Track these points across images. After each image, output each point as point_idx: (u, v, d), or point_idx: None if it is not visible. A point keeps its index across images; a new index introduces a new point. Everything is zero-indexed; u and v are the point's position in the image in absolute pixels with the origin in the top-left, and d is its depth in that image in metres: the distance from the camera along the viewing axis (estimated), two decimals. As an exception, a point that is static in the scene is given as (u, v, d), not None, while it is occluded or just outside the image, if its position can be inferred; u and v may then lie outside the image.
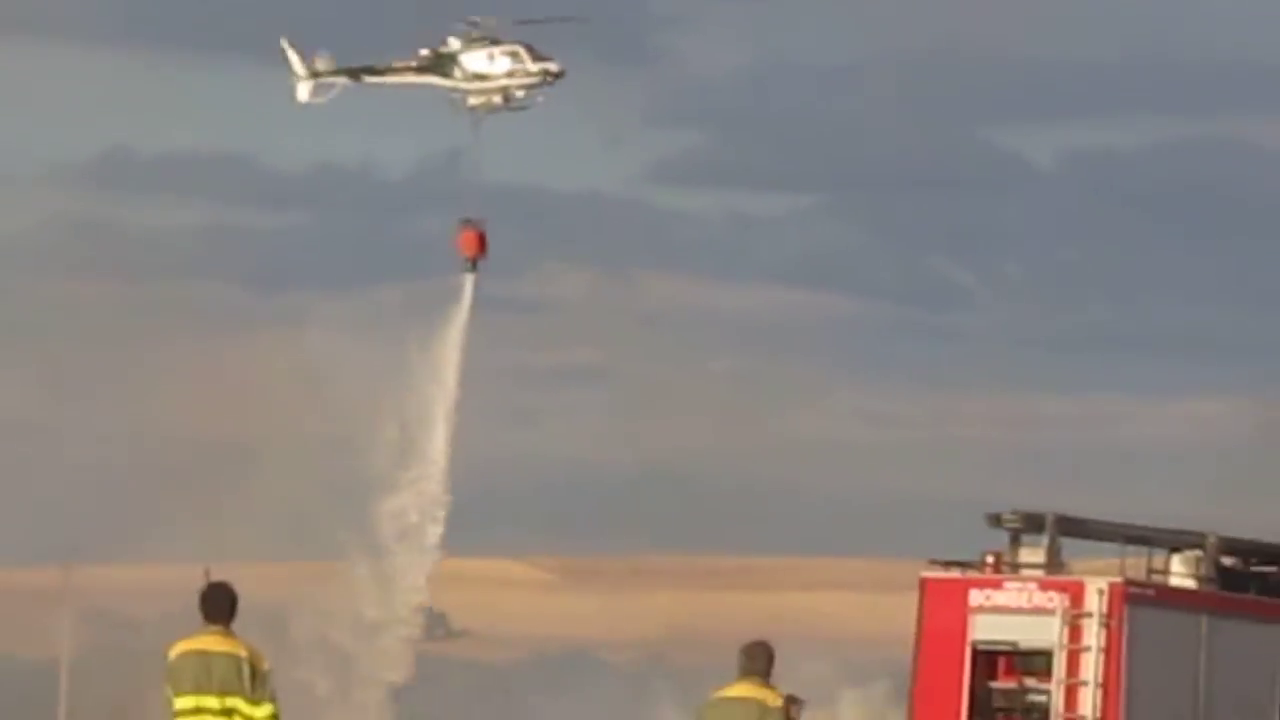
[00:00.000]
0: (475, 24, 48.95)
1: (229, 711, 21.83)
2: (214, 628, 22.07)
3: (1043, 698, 35.56)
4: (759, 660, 23.91)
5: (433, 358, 55.97)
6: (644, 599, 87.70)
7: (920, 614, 36.93)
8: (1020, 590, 36.44)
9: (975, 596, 36.42)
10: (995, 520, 36.86)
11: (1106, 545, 37.81)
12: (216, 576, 25.81)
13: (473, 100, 48.23)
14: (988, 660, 35.85)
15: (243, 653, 21.94)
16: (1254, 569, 37.99)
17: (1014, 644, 36.00)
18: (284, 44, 50.31)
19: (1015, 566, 36.79)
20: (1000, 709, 36.08)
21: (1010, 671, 36.04)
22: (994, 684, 35.94)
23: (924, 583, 37.09)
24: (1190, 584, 36.92)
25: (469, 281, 54.78)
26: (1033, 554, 36.60)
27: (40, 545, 62.78)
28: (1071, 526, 37.05)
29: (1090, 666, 35.18)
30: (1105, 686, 35.13)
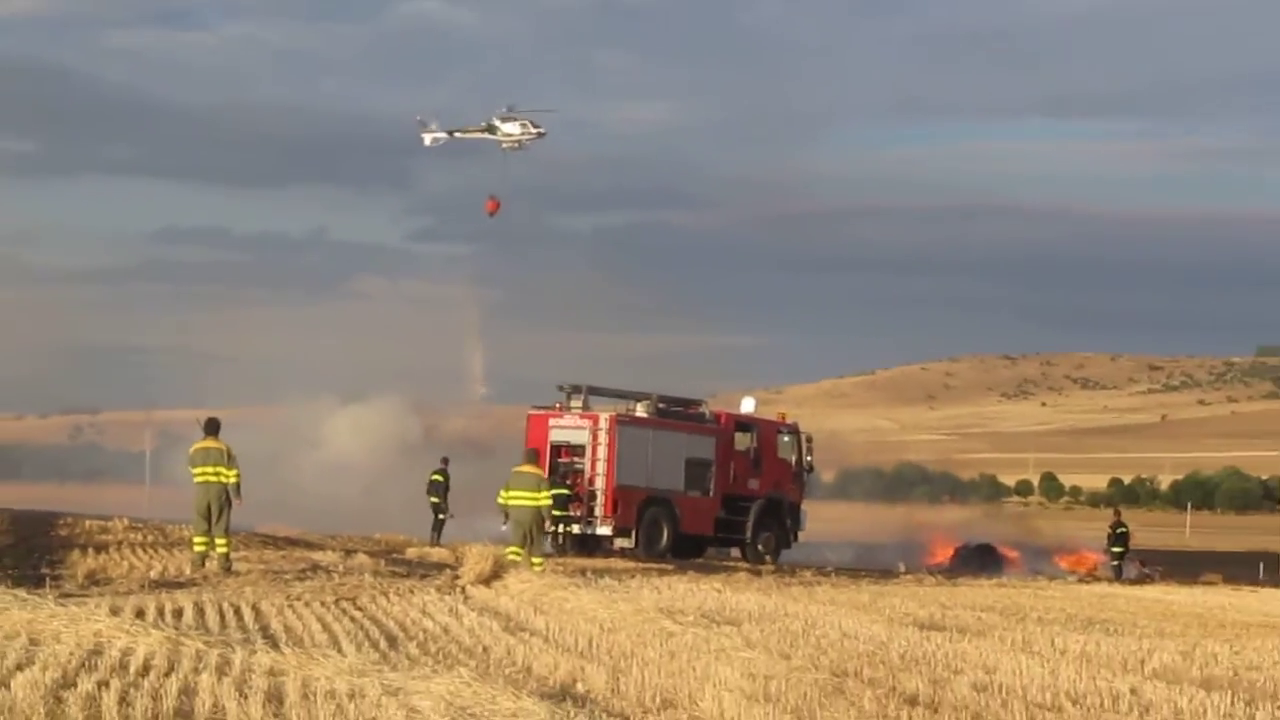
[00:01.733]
0: (506, 108, 59.04)
1: (217, 474, 29.86)
2: (209, 437, 30.30)
3: (582, 466, 46.05)
4: (533, 454, 35.78)
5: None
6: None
7: (528, 429, 47.10)
8: (572, 418, 46.91)
9: (552, 421, 46.91)
10: (560, 388, 47.96)
11: (610, 399, 48.78)
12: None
13: (504, 145, 57.68)
14: (557, 449, 46.16)
15: (223, 447, 30.04)
16: (671, 409, 48.91)
17: (568, 443, 46.51)
18: (418, 117, 59.84)
19: (569, 408, 47.19)
20: (564, 471, 45.75)
21: (568, 455, 46.34)
22: (560, 460, 46.21)
23: (529, 416, 47.68)
24: (645, 416, 47.63)
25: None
26: (577, 402, 47.34)
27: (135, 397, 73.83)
28: (594, 390, 48.19)
29: (602, 451, 45.96)
30: (608, 461, 45.76)
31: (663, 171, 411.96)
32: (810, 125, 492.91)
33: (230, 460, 29.78)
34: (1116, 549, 53.34)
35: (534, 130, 58.92)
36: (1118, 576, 51.21)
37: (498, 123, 59.08)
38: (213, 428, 30.16)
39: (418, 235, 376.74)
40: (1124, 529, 53.90)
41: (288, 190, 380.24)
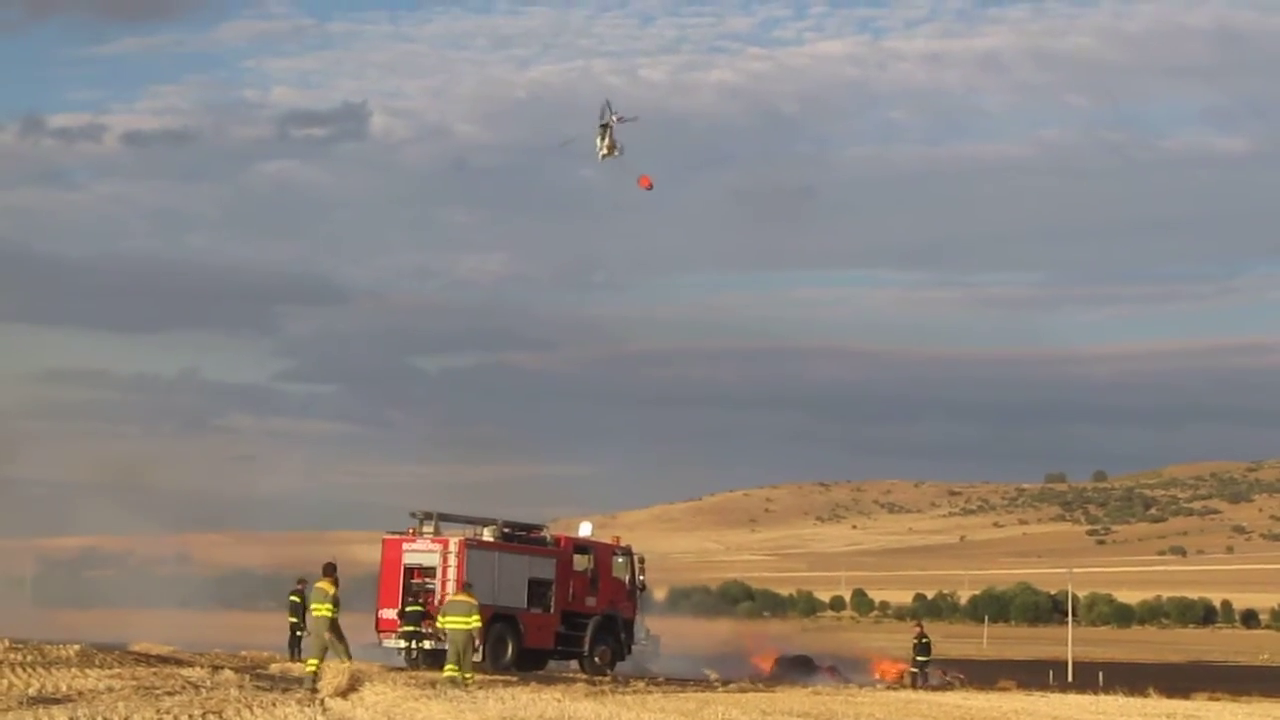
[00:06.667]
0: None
1: (315, 608, 32.31)
2: (322, 577, 32.64)
3: (434, 586, 45.09)
4: (468, 585, 37.01)
5: None
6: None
7: (383, 553, 46.40)
8: (424, 542, 46.14)
9: (406, 545, 46.09)
10: (413, 514, 46.88)
11: (459, 525, 47.47)
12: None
13: (601, 156, 46.56)
14: (410, 571, 45.63)
15: (322, 587, 32.33)
16: (515, 533, 47.96)
17: (421, 565, 45.65)
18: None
19: (421, 533, 46.37)
20: (416, 591, 45.04)
21: (420, 575, 45.48)
22: (414, 581, 45.50)
23: (384, 541, 46.65)
24: (491, 539, 46.71)
25: None
26: (429, 528, 46.39)
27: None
28: (444, 516, 47.17)
29: (452, 573, 44.92)
30: (457, 581, 43.53)
31: (504, 315, 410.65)
32: (642, 273, 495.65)
33: (322, 597, 31.98)
34: (921, 658, 53.58)
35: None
36: (921, 683, 51.37)
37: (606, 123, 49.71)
38: (325, 570, 32.65)
39: (283, 376, 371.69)
40: (927, 640, 54.20)
41: (160, 335, 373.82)
